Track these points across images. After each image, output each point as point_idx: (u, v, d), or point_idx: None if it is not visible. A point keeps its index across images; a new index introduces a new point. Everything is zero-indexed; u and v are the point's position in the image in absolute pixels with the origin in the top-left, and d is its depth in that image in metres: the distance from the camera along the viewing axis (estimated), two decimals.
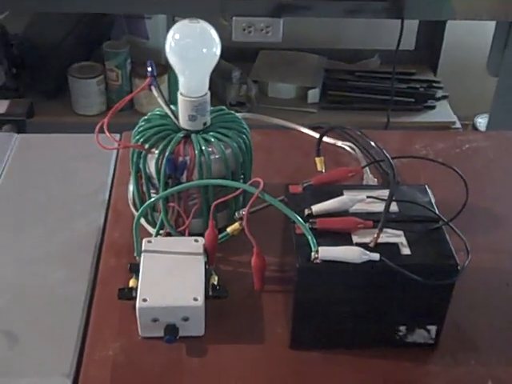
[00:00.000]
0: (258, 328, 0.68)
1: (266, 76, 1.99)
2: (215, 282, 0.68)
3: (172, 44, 0.71)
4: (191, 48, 0.71)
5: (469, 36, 2.11)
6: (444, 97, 1.98)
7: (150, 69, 0.73)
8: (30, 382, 0.63)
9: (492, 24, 1.67)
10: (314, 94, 1.95)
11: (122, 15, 1.92)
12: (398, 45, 1.63)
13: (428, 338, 0.66)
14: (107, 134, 0.72)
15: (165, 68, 1.57)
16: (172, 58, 0.71)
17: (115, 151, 0.91)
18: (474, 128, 2.13)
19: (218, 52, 0.72)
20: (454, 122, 1.92)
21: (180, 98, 0.73)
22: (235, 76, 1.88)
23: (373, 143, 0.84)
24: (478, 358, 0.66)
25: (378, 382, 0.64)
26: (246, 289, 0.70)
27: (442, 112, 1.95)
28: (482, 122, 2.11)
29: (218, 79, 1.85)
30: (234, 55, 1.93)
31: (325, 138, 0.92)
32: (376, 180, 0.85)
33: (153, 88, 0.73)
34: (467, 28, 2.05)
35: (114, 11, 1.79)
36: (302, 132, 0.96)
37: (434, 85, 2.02)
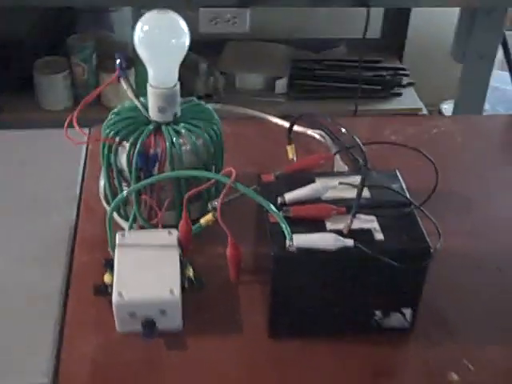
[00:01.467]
0: (235, 319, 0.68)
1: (234, 67, 1.98)
2: (191, 274, 0.68)
3: (141, 35, 0.70)
4: (160, 39, 0.71)
5: (433, 23, 2.13)
6: (410, 84, 2.00)
7: (118, 61, 0.72)
8: (8, 382, 0.62)
9: (454, 11, 1.69)
10: (281, 84, 1.95)
11: (87, 9, 1.90)
12: (365, 33, 1.64)
13: (404, 321, 0.66)
14: (77, 128, 0.71)
15: (131, 61, 1.56)
16: (141, 50, 0.71)
17: (84, 146, 0.90)
18: (440, 114, 2.15)
19: (188, 42, 0.72)
20: (420, 109, 1.94)
21: (149, 90, 0.73)
22: (202, 68, 1.87)
23: (343, 129, 0.84)
24: (453, 339, 0.67)
25: (356, 367, 0.65)
26: (222, 280, 0.70)
27: (409, 99, 1.97)
28: (447, 107, 2.13)
29: (186, 71, 1.82)
30: (201, 47, 1.91)
31: (294, 127, 0.92)
32: (346, 167, 0.85)
33: (122, 80, 0.73)
34: (432, 15, 2.06)
35: (79, 5, 1.76)
36: (272, 121, 0.96)
37: (400, 72, 2.03)
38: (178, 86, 0.73)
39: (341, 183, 0.68)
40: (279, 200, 0.66)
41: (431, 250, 0.62)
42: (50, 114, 1.80)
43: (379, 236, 0.63)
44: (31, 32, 1.84)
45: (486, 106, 2.06)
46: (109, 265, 0.68)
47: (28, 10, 1.82)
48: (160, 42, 0.71)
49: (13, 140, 0.95)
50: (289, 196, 0.66)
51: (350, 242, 0.61)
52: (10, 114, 1.76)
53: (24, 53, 1.82)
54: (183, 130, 0.73)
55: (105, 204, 0.79)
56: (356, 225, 0.63)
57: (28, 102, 1.84)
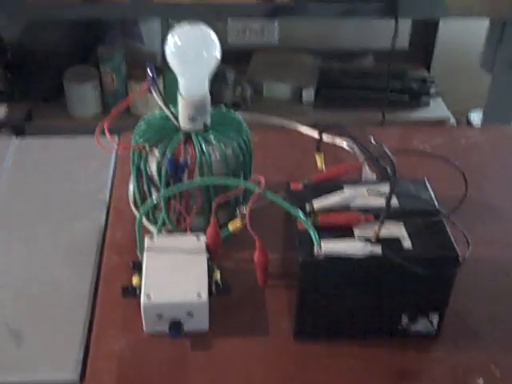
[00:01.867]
0: (261, 322, 0.69)
1: (261, 76, 1.99)
2: (218, 278, 0.69)
3: (172, 48, 0.71)
4: (192, 51, 0.72)
5: (461, 33, 2.12)
6: (438, 93, 2.00)
7: (149, 71, 0.73)
8: (38, 378, 0.63)
9: (484, 20, 1.68)
10: (308, 94, 1.96)
11: (116, 20, 1.93)
12: (394, 44, 1.64)
13: (430, 327, 0.67)
14: (108, 135, 0.72)
15: (160, 70, 1.58)
16: (172, 62, 0.72)
17: (114, 153, 0.92)
18: (468, 123, 2.14)
19: (219, 55, 0.73)
20: (448, 118, 1.93)
21: (180, 99, 0.74)
22: (230, 77, 1.89)
23: (372, 139, 0.85)
24: (480, 345, 0.67)
25: (381, 372, 0.65)
26: (248, 284, 0.71)
27: (436, 108, 1.96)
28: (475, 116, 2.12)
29: (213, 80, 1.84)
30: (229, 56, 1.91)
31: (323, 137, 0.92)
32: (375, 176, 0.85)
33: (153, 90, 0.74)
34: (460, 25, 2.06)
35: (112, 17, 1.79)
36: (299, 131, 0.96)
37: (428, 82, 2.03)
38: (209, 96, 0.74)
39: (369, 190, 0.69)
40: (307, 207, 0.66)
41: (459, 259, 0.62)
42: (80, 121, 1.82)
43: (407, 244, 0.63)
44: (62, 41, 1.87)
45: None
46: (137, 267, 0.69)
47: (59, 21, 1.85)
48: (192, 54, 0.72)
49: (45, 146, 0.97)
50: (317, 203, 0.67)
51: (377, 250, 0.61)
52: (40, 122, 1.79)
53: (55, 62, 1.85)
54: (213, 139, 0.74)
55: (133, 208, 0.80)
56: (384, 233, 0.64)
57: (58, 109, 1.87)
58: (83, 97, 1.84)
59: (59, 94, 1.87)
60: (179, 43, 0.71)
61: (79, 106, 1.85)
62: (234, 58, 1.94)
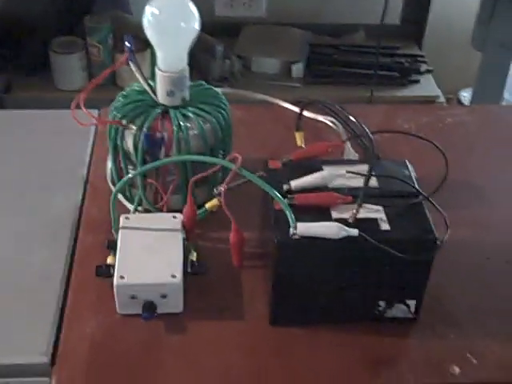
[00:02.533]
0: (237, 304, 0.68)
1: (250, 51, 1.97)
2: (194, 259, 0.68)
3: (150, 18, 0.70)
4: (169, 22, 0.70)
5: (454, 10, 2.10)
6: (428, 71, 1.97)
7: (127, 44, 0.71)
8: (8, 361, 0.62)
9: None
10: (298, 69, 1.93)
11: None
12: (383, 19, 1.61)
13: (407, 312, 0.66)
14: (84, 109, 0.71)
15: (148, 43, 1.55)
16: (150, 33, 0.70)
17: (94, 127, 0.90)
18: (459, 102, 2.12)
19: (197, 26, 0.71)
20: (438, 96, 1.92)
21: (158, 73, 0.72)
22: (219, 51, 1.86)
23: (352, 118, 0.83)
24: (458, 332, 0.67)
25: (358, 356, 0.64)
26: (225, 265, 0.70)
27: (427, 86, 1.95)
28: (466, 95, 2.10)
29: (202, 54, 1.83)
30: (218, 30, 1.90)
31: (306, 113, 0.91)
32: (357, 155, 0.84)
33: (131, 63, 0.72)
34: (452, 2, 2.04)
35: None
36: (284, 107, 0.95)
37: (419, 59, 2.00)
38: (187, 70, 0.73)
39: (348, 172, 0.67)
40: (285, 187, 0.65)
41: (437, 242, 0.61)
42: (65, 93, 1.80)
43: (385, 226, 0.62)
44: (47, 12, 1.84)
45: (506, 95, 2.03)
46: (112, 247, 0.68)
47: None
48: (169, 25, 0.70)
49: (24, 119, 0.95)
50: (295, 183, 0.65)
51: (354, 232, 0.60)
52: (25, 93, 1.76)
53: (40, 32, 1.82)
54: (191, 114, 0.72)
55: (111, 186, 0.79)
56: (362, 214, 0.63)
57: (43, 81, 1.84)
58: (69, 68, 1.81)
59: (45, 66, 1.84)
60: (156, 13, 0.69)
61: (65, 77, 1.82)
62: (222, 31, 1.92)
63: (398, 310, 0.66)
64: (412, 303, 0.65)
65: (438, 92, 1.93)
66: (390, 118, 1.00)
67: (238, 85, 1.84)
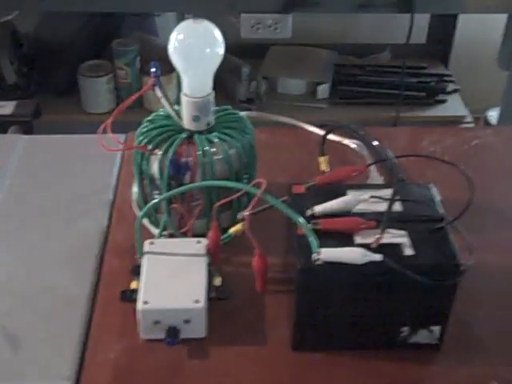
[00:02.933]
0: (260, 329, 0.68)
1: (276, 72, 1.98)
2: (218, 283, 0.68)
3: (175, 44, 0.71)
4: (194, 48, 0.71)
5: (480, 29, 2.09)
6: (455, 90, 1.97)
7: (153, 69, 0.72)
8: None
9: (503, 17, 1.65)
10: (323, 90, 1.94)
11: (131, 13, 1.92)
12: (408, 39, 1.61)
13: (432, 338, 0.65)
14: (110, 135, 0.71)
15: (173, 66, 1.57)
16: (175, 58, 0.71)
17: (120, 151, 0.91)
18: (486, 122, 2.11)
19: (222, 52, 0.71)
20: (465, 116, 1.91)
21: (183, 99, 0.73)
22: (245, 72, 1.88)
23: (376, 142, 0.83)
24: (483, 359, 0.65)
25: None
26: (249, 290, 0.70)
27: (454, 106, 1.94)
28: (493, 115, 2.09)
29: (228, 76, 1.84)
30: (244, 51, 1.92)
31: (331, 136, 0.91)
32: (382, 178, 0.84)
33: (156, 89, 0.73)
34: (479, 21, 2.03)
35: (126, 10, 1.79)
36: (309, 130, 0.95)
37: (445, 78, 2.00)
38: (213, 95, 0.73)
39: (372, 196, 0.67)
40: (308, 212, 0.65)
41: (462, 267, 0.61)
42: (93, 116, 1.83)
43: (409, 251, 0.62)
44: (77, 35, 1.87)
45: None
46: (136, 272, 0.68)
47: (75, 14, 1.85)
48: (194, 51, 0.71)
49: (52, 144, 0.97)
50: (318, 208, 0.65)
51: (378, 257, 0.60)
52: (54, 116, 1.79)
53: (70, 56, 1.86)
54: (216, 139, 0.73)
55: (136, 211, 0.80)
56: (386, 239, 0.62)
57: (72, 104, 1.87)
58: (97, 91, 1.84)
59: (73, 89, 1.87)
60: (181, 39, 0.70)
61: (93, 100, 1.85)
62: (248, 52, 1.94)
63: (422, 336, 0.65)
64: (436, 329, 0.64)
65: (465, 112, 1.92)
66: (415, 140, 0.99)
67: (264, 106, 1.86)
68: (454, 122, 1.90)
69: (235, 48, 1.79)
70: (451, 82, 1.99)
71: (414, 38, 1.70)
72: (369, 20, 2.10)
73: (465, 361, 0.65)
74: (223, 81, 1.82)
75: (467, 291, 0.64)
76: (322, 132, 0.92)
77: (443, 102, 1.94)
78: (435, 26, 2.10)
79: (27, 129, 1.21)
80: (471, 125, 1.92)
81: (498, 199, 0.85)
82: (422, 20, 2.04)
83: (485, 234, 0.77)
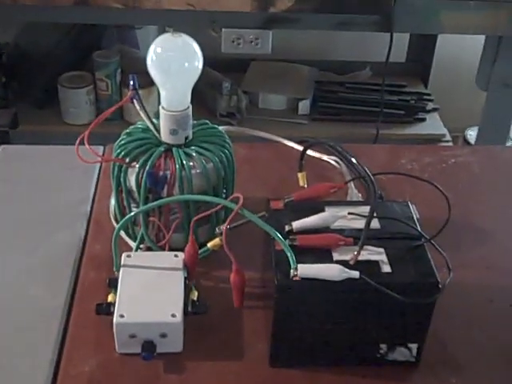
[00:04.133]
0: (237, 344, 0.67)
1: (257, 87, 1.98)
2: (195, 298, 0.68)
3: (153, 57, 0.70)
4: (172, 62, 0.71)
5: (459, 49, 2.12)
6: (435, 109, 1.99)
7: (131, 82, 0.72)
8: None
9: (481, 38, 1.68)
10: (304, 106, 1.95)
11: (113, 25, 1.92)
12: (388, 57, 1.63)
13: (409, 355, 0.65)
14: (88, 147, 0.71)
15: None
16: (153, 72, 0.71)
17: (98, 164, 0.91)
18: (465, 141, 2.13)
19: (200, 66, 0.71)
20: (444, 135, 1.93)
21: (161, 112, 0.73)
22: (226, 87, 1.88)
23: (354, 159, 0.83)
24: (460, 376, 0.66)
25: None
26: (226, 304, 0.70)
27: (433, 124, 1.96)
28: (472, 134, 2.11)
29: (209, 90, 1.84)
30: (225, 66, 1.93)
31: (310, 152, 0.91)
32: (360, 195, 0.84)
33: (135, 101, 0.73)
34: (458, 42, 2.05)
35: (107, 22, 1.79)
36: (288, 145, 0.95)
37: (425, 97, 2.02)
38: (190, 109, 0.73)
39: (350, 213, 0.67)
40: (286, 228, 0.65)
41: (439, 285, 0.61)
42: (73, 127, 1.82)
43: (386, 268, 0.62)
44: (58, 46, 1.86)
45: None
46: (113, 285, 0.67)
47: (56, 25, 1.85)
48: (172, 64, 0.71)
49: (29, 155, 0.96)
50: (296, 224, 0.65)
51: (355, 274, 0.60)
52: (32, 127, 1.77)
53: (50, 67, 1.85)
54: (194, 153, 0.73)
55: (114, 223, 0.79)
56: (363, 256, 0.62)
57: (51, 115, 1.86)
58: (77, 103, 1.83)
59: (53, 100, 1.86)
60: (160, 53, 0.70)
61: (73, 112, 1.84)
62: (229, 67, 1.95)
63: (400, 354, 0.65)
64: (414, 347, 0.65)
65: (445, 131, 1.93)
66: (393, 158, 1.00)
67: (245, 121, 1.86)
68: (433, 140, 1.92)
69: (216, 62, 1.80)
70: (430, 100, 2.01)
71: (394, 57, 1.72)
72: (349, 38, 2.11)
73: (442, 379, 0.65)
74: (204, 95, 1.82)
75: (444, 309, 0.64)
76: (301, 148, 0.92)
77: (422, 120, 1.95)
78: (415, 45, 2.13)
79: (4, 139, 1.20)
80: (450, 143, 1.94)
81: (474, 217, 0.85)
82: (402, 39, 2.06)
83: (461, 251, 0.77)
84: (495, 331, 0.71)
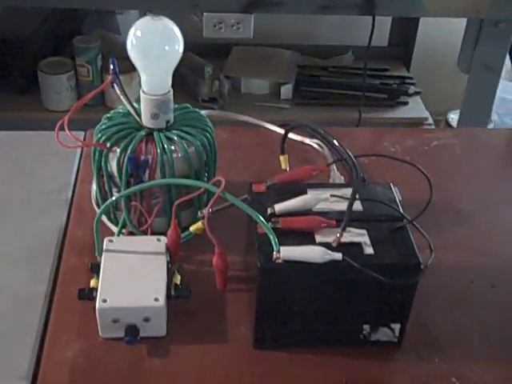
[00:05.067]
0: (220, 328, 0.67)
1: (239, 72, 1.98)
2: (178, 282, 0.68)
3: (133, 41, 0.70)
4: (153, 45, 0.70)
5: (441, 33, 2.12)
6: (417, 93, 1.99)
7: (111, 66, 0.72)
8: None
9: (463, 21, 1.68)
10: (287, 90, 1.95)
11: (93, 10, 1.90)
12: (370, 41, 1.63)
13: (392, 336, 0.66)
14: (68, 132, 0.70)
15: None
16: (134, 55, 0.70)
17: (79, 149, 0.90)
18: (447, 124, 2.14)
19: (181, 49, 0.71)
20: (426, 118, 1.93)
21: (142, 96, 0.72)
22: (208, 72, 1.87)
23: (336, 141, 0.83)
24: (442, 356, 0.66)
25: (342, 381, 0.64)
26: (209, 288, 0.70)
27: (415, 108, 1.96)
28: (454, 117, 2.12)
29: (191, 75, 1.83)
30: (207, 51, 1.92)
31: (293, 136, 0.91)
32: (343, 178, 0.84)
33: (115, 86, 0.72)
34: (440, 25, 2.05)
35: (87, 6, 1.77)
36: (270, 129, 0.95)
37: (407, 81, 2.02)
38: (171, 93, 0.72)
39: (333, 195, 0.67)
40: (269, 211, 0.65)
41: (421, 266, 0.61)
42: (54, 114, 1.80)
43: (369, 250, 0.62)
44: (37, 32, 1.85)
45: (494, 117, 2.04)
46: (95, 269, 0.67)
47: (34, 10, 1.83)
48: (153, 48, 0.70)
49: (10, 140, 0.95)
50: (279, 207, 0.65)
51: (338, 256, 0.60)
52: (13, 113, 1.76)
53: (30, 52, 1.83)
54: (175, 137, 0.72)
55: (96, 208, 0.79)
56: (346, 238, 0.62)
57: (32, 101, 1.85)
58: (57, 89, 1.81)
59: (33, 86, 1.84)
60: (140, 37, 0.70)
61: (53, 98, 1.82)
62: (211, 52, 1.94)
63: (383, 334, 0.65)
64: (396, 327, 0.65)
65: (427, 114, 1.94)
66: (376, 140, 1.00)
67: (227, 106, 1.85)
68: (416, 123, 1.92)
69: (198, 47, 1.79)
70: (412, 84, 2.01)
71: (376, 41, 1.72)
72: (332, 22, 2.11)
73: (424, 358, 0.66)
74: (186, 80, 1.81)
75: (425, 290, 0.64)
76: (282, 131, 0.92)
77: (405, 103, 1.96)
78: (397, 29, 2.13)
79: None
80: (432, 127, 1.95)
81: (455, 199, 0.86)
82: (384, 23, 2.06)
83: (443, 232, 0.78)
84: (476, 311, 0.71)
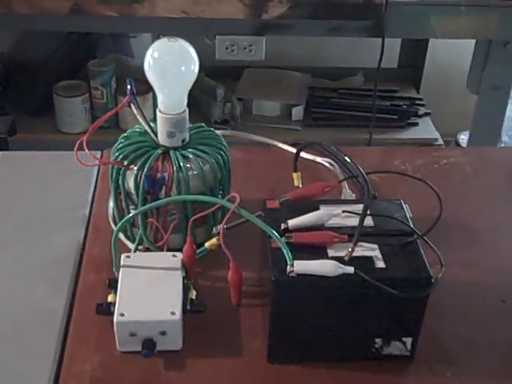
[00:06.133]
0: (235, 342, 0.68)
1: (251, 94, 2.00)
2: (193, 297, 0.69)
3: (151, 62, 0.72)
4: (169, 66, 0.73)
5: (450, 54, 2.14)
6: (426, 114, 2.01)
7: (129, 86, 0.73)
8: None
9: (472, 42, 1.70)
10: (298, 112, 1.97)
11: (107, 34, 1.94)
12: (380, 63, 1.65)
13: (404, 350, 0.67)
14: (86, 150, 0.72)
15: (150, 85, 1.58)
16: (151, 76, 0.72)
17: (96, 168, 0.92)
18: (457, 145, 2.15)
19: (197, 69, 0.73)
20: (436, 139, 1.94)
21: (159, 115, 0.74)
22: (220, 94, 1.89)
23: (347, 158, 0.85)
24: (454, 370, 0.67)
25: None
26: (224, 303, 0.71)
27: (425, 129, 1.97)
28: (464, 138, 2.13)
29: (203, 97, 1.86)
30: (219, 73, 1.95)
31: (304, 155, 0.93)
32: (354, 195, 0.86)
33: (132, 105, 0.74)
34: (449, 46, 2.08)
35: (101, 30, 1.80)
36: (282, 148, 0.97)
37: (417, 102, 2.04)
38: (187, 112, 0.75)
39: (344, 211, 0.69)
40: (282, 226, 0.67)
41: (432, 280, 0.62)
42: (68, 136, 1.83)
43: (380, 264, 0.63)
44: (53, 55, 1.88)
45: (505, 138, 2.06)
46: (113, 285, 0.69)
47: (50, 35, 1.86)
48: (169, 68, 0.72)
49: (28, 160, 0.97)
50: (292, 222, 0.67)
51: (350, 270, 0.61)
52: (29, 136, 1.78)
53: (45, 76, 1.86)
54: (191, 156, 0.74)
55: (113, 225, 0.80)
56: (358, 252, 0.64)
57: (47, 124, 1.87)
58: (72, 111, 1.84)
59: (48, 109, 1.87)
60: (157, 58, 0.72)
61: (68, 120, 1.85)
62: (223, 74, 1.96)
63: (395, 348, 0.66)
64: (408, 341, 0.66)
65: (437, 135, 1.95)
66: (386, 159, 1.01)
67: (239, 127, 1.87)
68: (426, 144, 1.94)
69: (210, 69, 1.82)
70: (422, 105, 2.03)
71: (386, 63, 1.73)
72: (342, 44, 2.13)
73: (436, 372, 0.66)
74: (198, 102, 1.84)
75: (437, 305, 0.66)
76: (294, 150, 0.94)
77: (415, 124, 1.97)
78: (406, 50, 2.15)
79: (3, 146, 1.21)
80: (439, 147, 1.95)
81: (465, 216, 0.87)
82: (394, 45, 2.08)
83: (452, 248, 0.79)
84: (488, 326, 0.72)
